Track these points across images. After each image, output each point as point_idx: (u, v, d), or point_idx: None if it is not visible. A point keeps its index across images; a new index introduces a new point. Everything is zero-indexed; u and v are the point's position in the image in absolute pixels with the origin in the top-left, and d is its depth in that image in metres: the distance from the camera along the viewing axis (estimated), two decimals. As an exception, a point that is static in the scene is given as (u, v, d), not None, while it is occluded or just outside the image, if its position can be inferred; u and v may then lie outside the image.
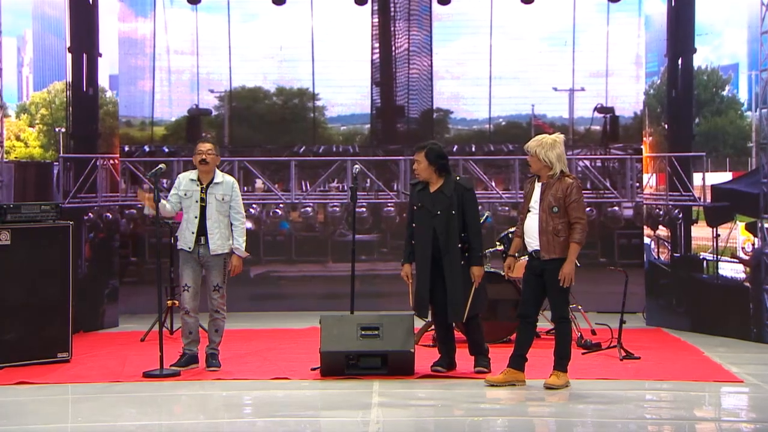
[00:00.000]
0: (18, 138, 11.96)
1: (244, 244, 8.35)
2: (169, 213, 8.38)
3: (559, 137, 7.69)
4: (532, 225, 7.65)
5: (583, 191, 7.82)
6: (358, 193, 8.91)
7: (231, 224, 8.36)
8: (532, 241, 7.65)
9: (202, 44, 12.42)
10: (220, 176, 8.38)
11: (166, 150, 12.44)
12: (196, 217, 8.27)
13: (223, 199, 8.30)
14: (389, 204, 12.48)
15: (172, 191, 8.46)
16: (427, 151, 8.13)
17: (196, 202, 8.27)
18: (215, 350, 8.43)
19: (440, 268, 8.10)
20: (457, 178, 8.29)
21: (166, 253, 10.12)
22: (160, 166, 8.27)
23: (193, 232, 8.26)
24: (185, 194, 8.32)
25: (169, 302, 9.93)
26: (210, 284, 8.35)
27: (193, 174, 8.38)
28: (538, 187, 7.67)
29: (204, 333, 8.58)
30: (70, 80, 10.89)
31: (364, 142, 12.68)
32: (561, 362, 7.68)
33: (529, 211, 7.70)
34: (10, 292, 8.48)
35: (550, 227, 7.51)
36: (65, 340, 8.71)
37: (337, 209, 12.54)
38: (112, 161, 11.32)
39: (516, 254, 7.94)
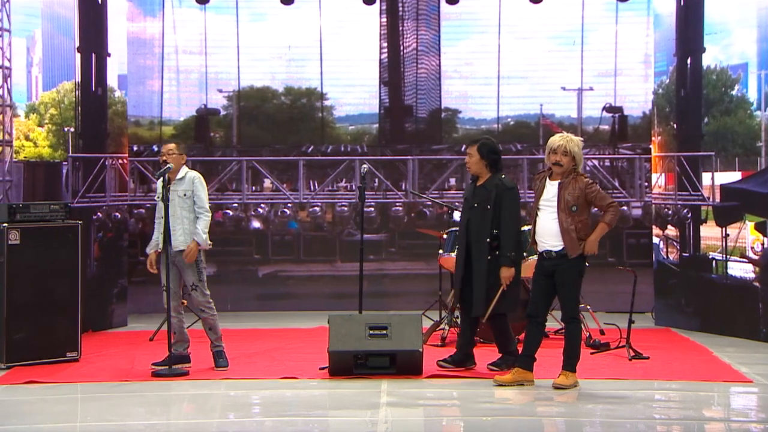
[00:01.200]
0: (27, 138, 11.98)
1: (204, 234, 8.22)
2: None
3: (576, 137, 7.74)
4: (543, 224, 7.64)
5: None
6: (366, 192, 8.91)
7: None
8: (544, 242, 7.65)
9: (210, 44, 12.43)
10: (183, 172, 8.33)
11: (175, 149, 12.44)
12: (161, 217, 8.24)
13: (184, 194, 8.24)
14: (397, 204, 12.48)
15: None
16: (480, 146, 8.23)
17: (162, 201, 8.23)
18: (218, 347, 8.37)
19: (471, 261, 8.18)
20: (502, 176, 8.32)
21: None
22: (168, 165, 8.28)
23: (161, 233, 8.22)
24: (157, 196, 8.34)
25: (177, 301, 9.93)
26: (187, 285, 8.29)
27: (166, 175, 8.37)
28: (549, 185, 7.66)
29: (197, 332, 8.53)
30: (79, 80, 10.92)
31: (372, 142, 12.68)
32: (570, 362, 7.67)
33: (539, 209, 7.69)
34: (20, 292, 8.50)
35: (572, 227, 7.52)
36: (74, 340, 8.73)
37: (346, 209, 12.54)
38: (120, 161, 11.34)
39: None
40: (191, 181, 8.33)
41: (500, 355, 8.32)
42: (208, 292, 8.33)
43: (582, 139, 7.80)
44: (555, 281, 7.62)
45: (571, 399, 7.45)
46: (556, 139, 7.67)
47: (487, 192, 8.16)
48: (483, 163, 8.21)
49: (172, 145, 8.39)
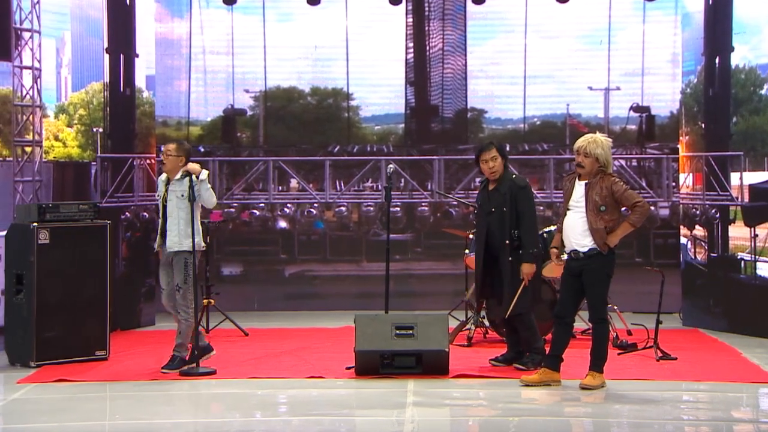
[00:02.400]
0: (57, 138, 12.10)
1: (207, 192, 8.16)
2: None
3: (605, 137, 7.68)
4: (572, 225, 7.61)
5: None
6: (392, 192, 8.91)
7: (193, 223, 8.18)
8: (572, 242, 7.61)
9: (237, 44, 12.48)
10: (181, 174, 8.30)
11: (202, 150, 12.51)
12: (160, 218, 8.27)
13: (182, 195, 8.20)
14: (423, 204, 12.47)
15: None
16: (500, 148, 8.27)
17: (160, 202, 8.25)
18: (178, 352, 8.26)
19: (498, 265, 8.19)
20: (513, 176, 8.37)
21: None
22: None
23: (159, 233, 8.25)
24: (158, 195, 8.36)
25: (204, 301, 9.97)
26: (173, 283, 8.27)
27: (164, 176, 8.37)
28: (577, 186, 7.62)
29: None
30: (108, 81, 10.99)
31: (398, 142, 12.67)
32: (597, 363, 7.63)
33: (568, 209, 7.66)
34: (50, 291, 8.57)
35: (601, 226, 7.49)
36: (103, 339, 8.78)
37: (372, 209, 12.54)
38: (148, 161, 11.40)
39: (556, 247, 7.87)
40: (192, 181, 8.25)
41: (505, 351, 8.40)
42: (191, 297, 8.20)
43: (610, 138, 7.74)
44: (583, 281, 7.59)
45: (598, 399, 7.41)
46: (580, 141, 7.66)
47: (501, 195, 8.20)
48: (503, 164, 8.26)
49: (171, 146, 8.32)
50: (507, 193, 8.17)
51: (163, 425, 6.94)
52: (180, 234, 8.20)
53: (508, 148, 12.20)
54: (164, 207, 8.25)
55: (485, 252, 8.30)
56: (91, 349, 8.72)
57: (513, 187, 8.16)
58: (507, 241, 8.14)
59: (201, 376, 8.08)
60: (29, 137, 9.97)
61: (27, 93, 9.99)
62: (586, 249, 7.54)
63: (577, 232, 7.57)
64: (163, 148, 8.40)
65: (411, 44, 12.48)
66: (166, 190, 8.24)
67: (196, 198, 8.14)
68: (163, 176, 8.38)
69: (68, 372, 8.22)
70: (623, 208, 7.69)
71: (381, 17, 12.46)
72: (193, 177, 8.09)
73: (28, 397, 7.55)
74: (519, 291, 8.13)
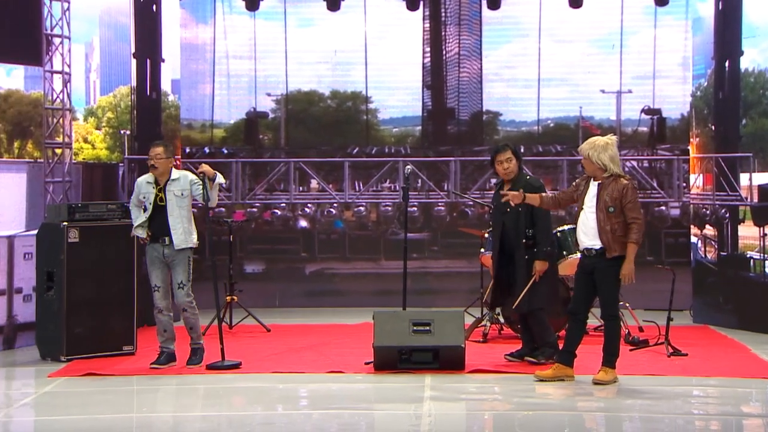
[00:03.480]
0: (86, 140, 12.19)
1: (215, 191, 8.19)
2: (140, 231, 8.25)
3: (611, 139, 7.64)
4: (586, 222, 7.59)
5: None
6: (409, 192, 8.91)
7: (193, 218, 8.23)
8: (585, 239, 7.60)
9: (259, 49, 12.52)
10: (176, 173, 8.25)
11: (225, 151, 12.56)
12: (146, 217, 8.15)
13: (182, 194, 8.16)
14: (440, 204, 12.46)
15: (133, 196, 8.35)
16: (514, 149, 8.29)
17: (150, 204, 8.13)
18: (197, 344, 8.25)
19: (514, 263, 8.22)
20: (528, 177, 8.41)
21: (224, 251, 10.21)
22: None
23: (143, 227, 8.15)
24: (144, 197, 8.21)
25: (228, 298, 10.01)
26: (175, 282, 8.20)
27: (149, 177, 8.25)
28: (593, 186, 7.61)
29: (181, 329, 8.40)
30: (135, 85, 11.06)
31: (415, 144, 12.68)
32: (609, 359, 7.61)
33: (582, 209, 7.65)
34: (79, 288, 8.61)
35: (608, 227, 7.47)
36: (130, 334, 8.83)
37: (390, 208, 12.55)
38: (174, 162, 11.42)
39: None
40: (188, 180, 8.24)
41: (521, 347, 8.41)
42: (192, 294, 8.21)
43: (615, 137, 7.67)
44: (595, 279, 7.57)
45: (610, 394, 7.39)
46: (582, 145, 7.67)
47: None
48: (518, 165, 8.28)
49: (159, 149, 8.23)
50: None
51: (188, 418, 6.96)
52: (185, 232, 8.17)
53: (522, 150, 12.33)
54: (155, 206, 8.13)
55: (500, 250, 8.31)
56: (119, 344, 8.76)
57: (528, 188, 8.15)
58: (523, 240, 8.16)
59: (227, 369, 8.10)
60: (59, 139, 10.04)
61: (57, 97, 10.05)
62: (597, 247, 7.52)
63: (589, 231, 7.56)
64: (150, 153, 8.19)
65: (428, 49, 12.48)
66: (162, 191, 8.15)
67: (210, 199, 8.15)
68: (148, 178, 8.22)
69: (97, 366, 8.26)
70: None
71: (399, 22, 12.48)
72: (206, 179, 8.08)
73: (59, 391, 7.60)
74: (528, 287, 8.14)
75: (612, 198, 7.48)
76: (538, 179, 8.55)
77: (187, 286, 8.17)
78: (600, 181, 7.55)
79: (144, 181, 8.27)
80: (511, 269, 8.26)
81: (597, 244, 7.53)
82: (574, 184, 7.88)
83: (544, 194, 7.96)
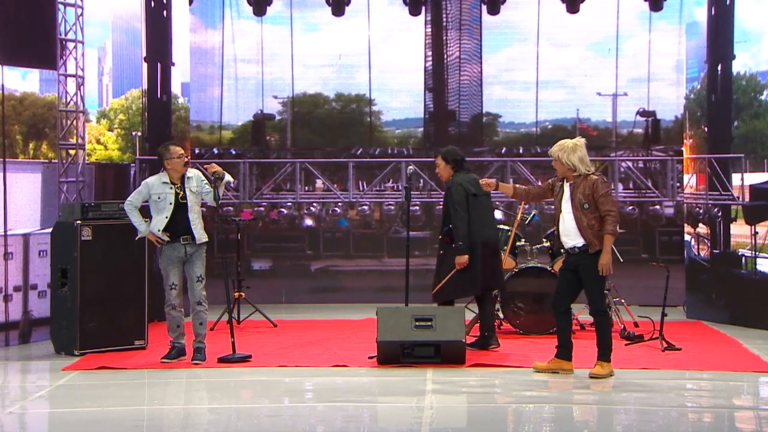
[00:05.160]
0: (98, 141, 12.18)
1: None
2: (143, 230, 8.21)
3: (579, 141, 7.68)
4: (566, 224, 7.63)
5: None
6: (411, 192, 8.93)
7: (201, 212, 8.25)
8: (568, 240, 7.63)
9: (266, 53, 12.51)
10: (190, 172, 8.24)
11: (233, 152, 12.55)
12: (167, 218, 8.08)
13: (196, 191, 8.19)
14: (441, 203, 12.44)
15: (137, 196, 8.20)
16: (443, 155, 8.58)
17: (171, 203, 8.07)
18: (202, 344, 8.20)
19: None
20: (454, 174, 8.57)
21: (232, 249, 10.22)
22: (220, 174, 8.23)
23: (160, 229, 8.07)
24: (158, 197, 8.11)
25: (236, 294, 10.01)
26: (193, 276, 8.14)
27: (164, 177, 8.19)
28: (566, 187, 7.66)
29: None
30: (146, 88, 11.05)
31: (417, 145, 12.67)
32: (604, 353, 7.61)
33: (560, 211, 7.67)
34: (92, 284, 8.62)
35: (585, 223, 7.49)
36: (141, 329, 8.84)
37: (392, 208, 12.55)
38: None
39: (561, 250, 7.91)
40: (200, 177, 8.25)
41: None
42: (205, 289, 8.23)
43: (584, 139, 7.69)
44: (580, 277, 7.58)
45: (606, 388, 7.39)
46: (552, 147, 7.72)
47: (445, 197, 8.58)
48: (450, 169, 8.50)
49: (181, 150, 8.23)
50: (446, 192, 8.52)
51: (197, 410, 6.98)
52: (201, 226, 8.20)
53: (521, 150, 12.35)
54: (176, 204, 8.09)
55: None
56: (131, 338, 8.77)
57: (448, 186, 8.48)
58: (439, 236, 8.57)
59: (238, 362, 8.10)
60: (73, 141, 10.04)
61: (71, 99, 10.05)
62: (581, 244, 7.54)
63: (570, 232, 7.58)
64: (176, 154, 8.13)
65: (429, 52, 12.47)
66: (182, 190, 8.12)
67: (218, 198, 8.14)
68: (163, 178, 8.17)
69: (109, 360, 8.27)
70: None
71: (401, 27, 12.47)
72: (216, 178, 8.09)
73: (73, 384, 7.61)
74: (445, 279, 8.40)
75: (584, 195, 7.50)
76: (458, 176, 8.56)
77: (204, 280, 8.19)
78: (572, 182, 7.58)
79: (158, 181, 8.20)
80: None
81: (579, 242, 7.55)
82: (549, 181, 7.89)
83: (517, 185, 8.15)
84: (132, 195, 8.29)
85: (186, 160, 8.25)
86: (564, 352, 7.67)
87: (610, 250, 7.48)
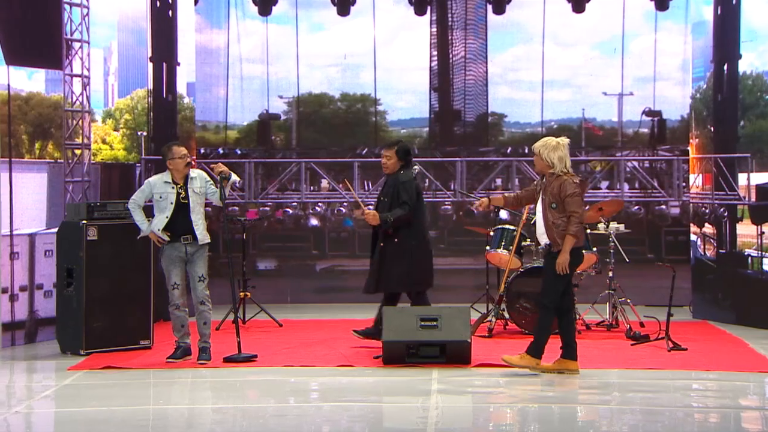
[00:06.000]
0: (104, 141, 12.18)
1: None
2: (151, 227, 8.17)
3: (563, 140, 7.70)
4: (538, 222, 7.71)
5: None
6: (417, 192, 8.91)
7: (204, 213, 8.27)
8: (541, 237, 7.71)
9: (272, 53, 12.52)
10: (194, 173, 8.24)
11: (239, 152, 12.56)
12: (167, 217, 8.09)
13: (199, 191, 8.20)
14: (446, 203, 12.45)
15: (140, 195, 8.20)
16: (399, 150, 8.56)
17: (171, 203, 8.09)
18: (206, 343, 8.20)
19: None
20: (401, 172, 8.58)
21: (238, 248, 10.23)
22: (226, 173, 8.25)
23: (160, 229, 8.06)
24: (160, 197, 8.13)
25: (241, 293, 10.01)
26: (195, 275, 8.16)
27: (166, 177, 8.19)
28: (542, 186, 7.70)
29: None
30: (151, 88, 11.07)
31: (422, 145, 12.67)
32: (531, 345, 7.60)
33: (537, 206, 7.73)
34: (98, 284, 8.63)
35: (551, 222, 7.52)
36: (147, 329, 8.85)
37: (398, 208, 12.52)
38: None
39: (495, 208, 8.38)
40: (204, 178, 8.27)
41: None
42: (208, 288, 8.24)
43: (568, 139, 7.73)
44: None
45: (613, 388, 7.39)
46: (535, 143, 7.74)
47: (388, 187, 8.58)
48: (399, 164, 8.51)
49: (185, 150, 8.25)
50: (391, 186, 8.50)
51: (203, 410, 6.99)
52: (204, 226, 8.22)
53: (526, 150, 12.34)
54: (177, 204, 8.10)
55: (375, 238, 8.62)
56: (136, 338, 8.78)
57: (397, 181, 8.47)
58: (382, 229, 8.50)
59: (244, 362, 8.10)
60: (79, 140, 10.06)
61: (77, 99, 10.08)
62: (547, 243, 7.58)
63: (540, 228, 7.65)
64: (179, 154, 8.14)
65: (435, 52, 12.47)
66: (184, 190, 8.14)
67: (224, 198, 8.16)
68: (165, 177, 8.18)
69: (115, 360, 8.29)
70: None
71: (407, 27, 12.47)
72: (222, 178, 8.11)
73: (79, 383, 7.63)
74: (378, 265, 8.42)
75: (553, 194, 7.53)
76: (409, 173, 8.61)
77: (206, 279, 8.20)
78: (545, 180, 7.60)
79: (160, 180, 8.22)
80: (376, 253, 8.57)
81: (546, 240, 7.58)
82: (535, 183, 7.91)
83: (506, 195, 8.18)
84: (135, 194, 8.31)
85: (188, 160, 8.24)
86: (569, 352, 7.66)
87: (568, 251, 7.46)
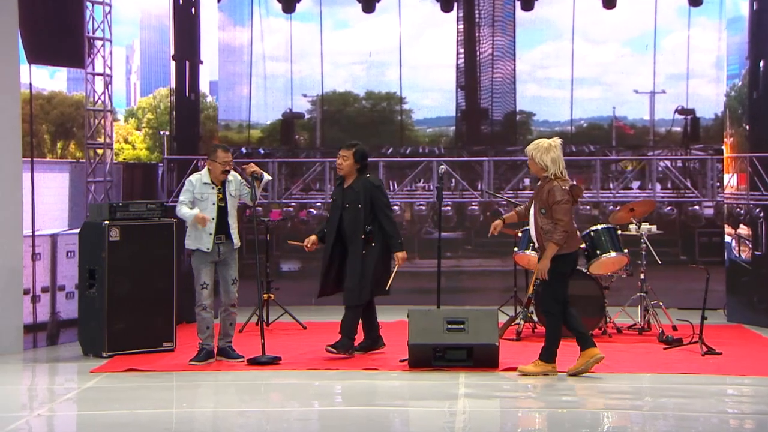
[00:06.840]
0: (126, 141, 12.27)
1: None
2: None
3: (555, 141, 7.69)
4: (531, 223, 7.74)
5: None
6: (443, 192, 8.92)
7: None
8: (533, 238, 7.76)
9: (295, 51, 12.55)
10: (230, 176, 8.34)
11: (262, 151, 12.60)
12: (213, 219, 8.18)
13: (235, 194, 8.31)
14: (473, 203, 12.43)
15: (187, 194, 8.24)
16: (355, 151, 8.48)
17: (213, 204, 8.19)
18: (230, 344, 8.34)
19: (347, 256, 8.48)
20: (367, 175, 8.54)
21: (262, 249, 10.25)
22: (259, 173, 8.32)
23: (211, 233, 8.16)
24: (201, 197, 8.22)
25: (264, 295, 10.03)
26: (229, 278, 8.29)
27: (205, 177, 8.27)
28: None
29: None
30: (174, 86, 11.12)
31: (449, 144, 12.65)
32: (543, 352, 7.66)
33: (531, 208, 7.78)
34: (121, 285, 8.68)
35: (539, 227, 7.54)
36: (170, 331, 8.88)
37: (424, 208, 12.53)
38: (212, 162, 11.48)
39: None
40: (238, 181, 8.36)
41: None
42: None
43: (560, 140, 7.71)
44: None
45: (645, 393, 7.34)
46: (528, 146, 7.75)
47: (355, 193, 8.42)
48: (355, 167, 8.43)
49: (229, 156, 8.32)
50: (361, 192, 8.38)
51: (227, 413, 7.01)
52: (236, 230, 8.33)
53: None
54: (221, 208, 8.21)
55: (335, 244, 8.49)
56: (159, 340, 8.81)
57: (368, 186, 8.39)
58: (362, 236, 8.38)
59: (267, 364, 8.13)
60: (101, 140, 10.14)
61: (99, 98, 10.15)
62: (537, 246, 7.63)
63: (532, 230, 7.70)
64: (221, 160, 8.19)
65: (462, 50, 12.45)
66: (222, 193, 8.23)
67: (256, 198, 8.23)
68: (204, 178, 8.24)
69: (138, 362, 8.32)
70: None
71: (433, 24, 12.46)
72: (254, 178, 8.18)
73: (101, 386, 7.67)
74: (392, 275, 8.46)
75: (542, 200, 7.54)
76: (378, 178, 8.59)
77: (238, 282, 8.31)
78: (539, 183, 7.61)
79: (200, 181, 8.29)
80: (344, 263, 8.48)
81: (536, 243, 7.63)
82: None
83: (517, 209, 8.08)
84: (182, 195, 8.33)
85: (227, 168, 8.28)
86: (585, 340, 7.63)
87: (549, 257, 7.48)
